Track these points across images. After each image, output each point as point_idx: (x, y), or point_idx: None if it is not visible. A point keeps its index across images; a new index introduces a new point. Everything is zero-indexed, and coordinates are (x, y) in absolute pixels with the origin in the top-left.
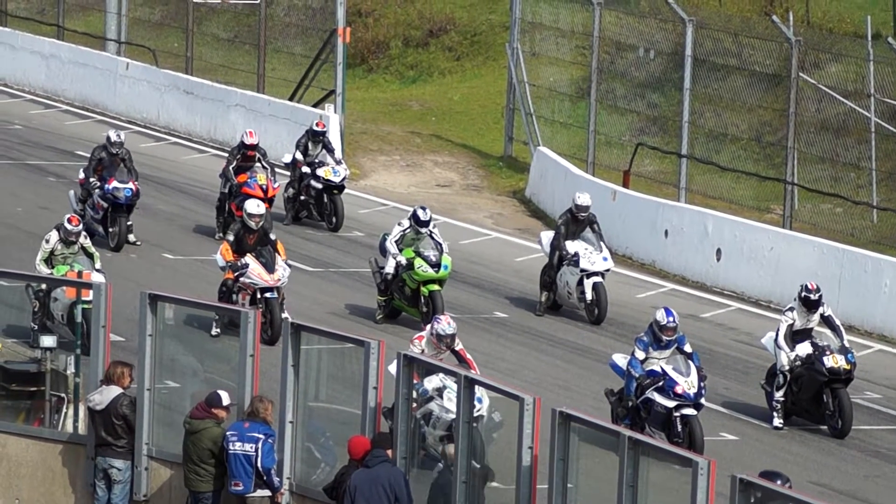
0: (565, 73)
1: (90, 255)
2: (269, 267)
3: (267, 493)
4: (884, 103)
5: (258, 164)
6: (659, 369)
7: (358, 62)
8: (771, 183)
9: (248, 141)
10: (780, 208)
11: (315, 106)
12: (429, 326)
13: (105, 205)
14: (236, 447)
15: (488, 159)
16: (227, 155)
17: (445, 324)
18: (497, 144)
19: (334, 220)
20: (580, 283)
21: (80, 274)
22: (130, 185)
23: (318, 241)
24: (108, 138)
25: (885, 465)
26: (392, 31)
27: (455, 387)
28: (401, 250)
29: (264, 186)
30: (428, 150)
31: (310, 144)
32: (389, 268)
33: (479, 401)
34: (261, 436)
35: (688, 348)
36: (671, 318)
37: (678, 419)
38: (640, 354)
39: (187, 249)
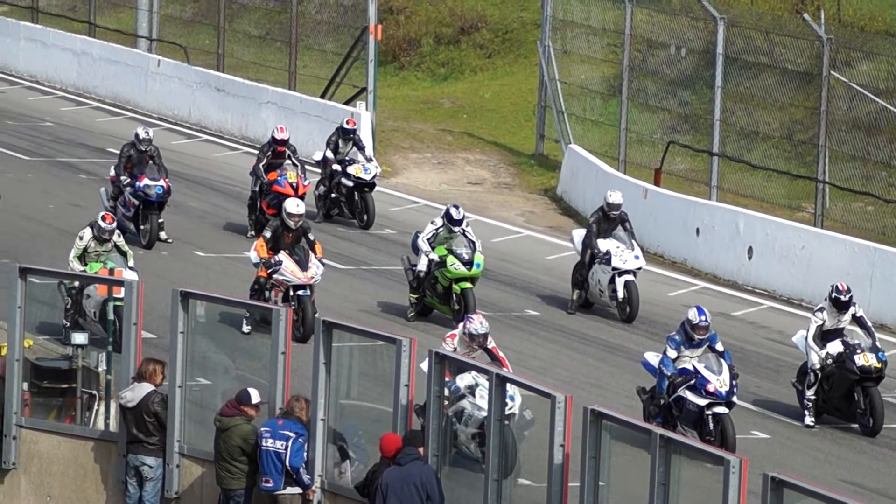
0: (597, 71)
1: (123, 254)
2: (303, 264)
3: (297, 490)
4: None
5: (288, 162)
6: (691, 367)
7: (389, 59)
8: (802, 181)
9: (279, 136)
10: (812, 207)
11: (346, 103)
12: (461, 325)
13: (136, 202)
14: (268, 444)
15: (520, 157)
16: (257, 152)
17: (478, 323)
18: (528, 142)
19: (365, 217)
20: (612, 281)
21: (111, 271)
22: (161, 182)
23: (349, 238)
24: (137, 135)
25: None
26: (423, 28)
27: (487, 384)
28: (433, 248)
29: (294, 184)
30: (459, 148)
31: (340, 142)
32: (422, 265)
33: (511, 399)
34: (292, 434)
35: (719, 347)
36: (703, 317)
37: (710, 417)
38: (672, 353)
39: (219, 247)
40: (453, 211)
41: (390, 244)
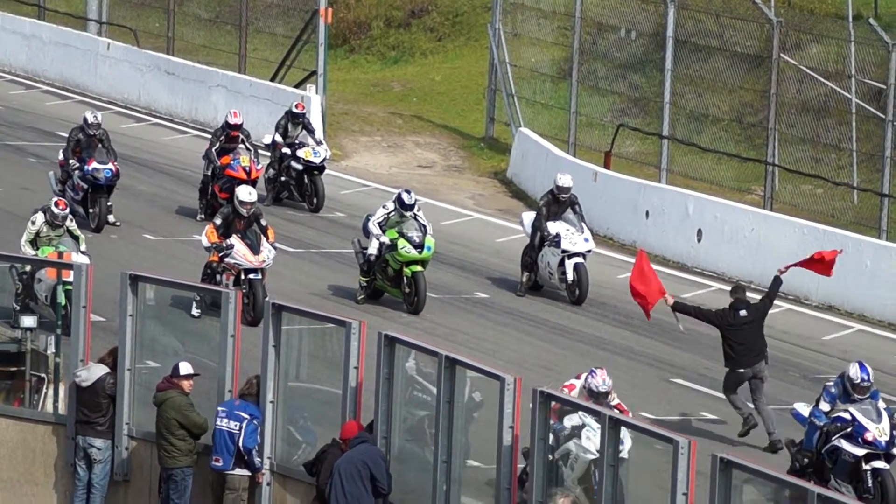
0: (547, 54)
1: (76, 238)
2: (255, 248)
3: (246, 472)
4: (864, 84)
5: (241, 146)
6: (848, 416)
7: (339, 43)
8: (752, 164)
9: (233, 121)
10: (761, 189)
11: (297, 87)
12: (582, 377)
13: (85, 186)
14: (222, 423)
15: (470, 140)
16: (209, 136)
17: (601, 380)
18: (478, 125)
19: (315, 200)
20: (561, 263)
21: (60, 255)
22: (110, 165)
23: (299, 221)
24: (85, 119)
25: None
26: (374, 11)
27: (594, 425)
28: (384, 232)
29: (247, 168)
30: (409, 131)
31: (289, 126)
32: (372, 248)
33: (622, 443)
34: (247, 416)
35: (881, 404)
36: (865, 376)
37: (869, 473)
38: (825, 406)
39: (168, 230)
40: (405, 196)
41: (340, 227)
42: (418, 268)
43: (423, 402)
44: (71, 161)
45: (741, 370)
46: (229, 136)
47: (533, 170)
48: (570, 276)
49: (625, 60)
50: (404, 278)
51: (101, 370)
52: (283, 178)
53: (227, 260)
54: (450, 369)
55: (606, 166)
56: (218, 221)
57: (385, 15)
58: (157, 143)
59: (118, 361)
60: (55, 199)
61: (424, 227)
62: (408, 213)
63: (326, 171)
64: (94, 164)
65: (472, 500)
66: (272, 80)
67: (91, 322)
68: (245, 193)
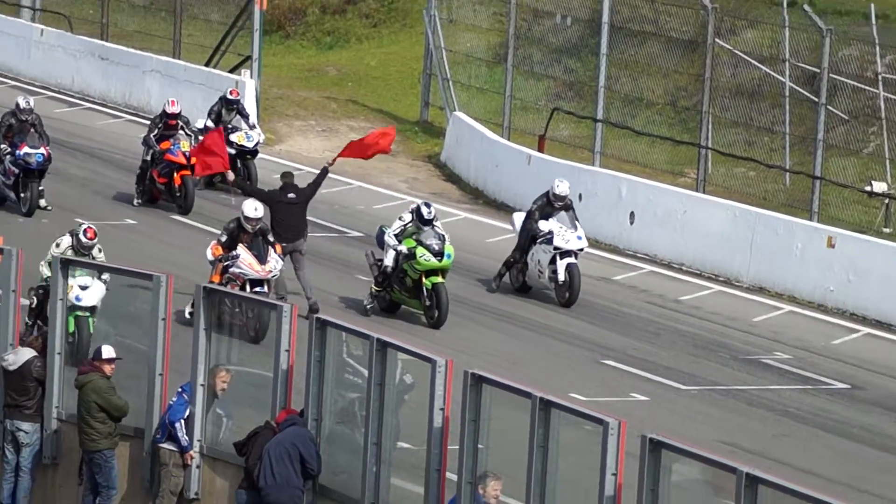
0: (482, 39)
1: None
2: (261, 258)
3: (174, 448)
4: (798, 68)
5: (181, 132)
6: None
7: (275, 28)
8: (685, 147)
9: (170, 110)
10: (694, 172)
11: (231, 72)
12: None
13: (16, 170)
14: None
15: (404, 124)
16: (143, 121)
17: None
18: (413, 110)
19: (248, 184)
20: (552, 262)
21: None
22: (42, 150)
23: (232, 206)
24: (17, 104)
25: (793, 424)
26: None
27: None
28: (400, 242)
29: (187, 153)
30: (344, 116)
31: (223, 111)
32: (389, 259)
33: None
34: (180, 390)
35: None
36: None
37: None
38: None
39: (101, 214)
40: (424, 210)
41: None
42: (439, 279)
43: (355, 385)
44: (2, 146)
45: (284, 244)
46: (167, 125)
47: (467, 153)
48: (561, 276)
49: (560, 45)
50: (424, 290)
51: (28, 353)
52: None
53: (231, 270)
54: (381, 352)
55: (540, 150)
56: (224, 238)
57: (321, 1)
58: (90, 128)
59: (49, 345)
60: (84, 226)
61: (443, 235)
62: (426, 229)
63: (259, 156)
64: (26, 149)
65: (402, 481)
66: (206, 65)
67: (20, 306)
68: (251, 209)
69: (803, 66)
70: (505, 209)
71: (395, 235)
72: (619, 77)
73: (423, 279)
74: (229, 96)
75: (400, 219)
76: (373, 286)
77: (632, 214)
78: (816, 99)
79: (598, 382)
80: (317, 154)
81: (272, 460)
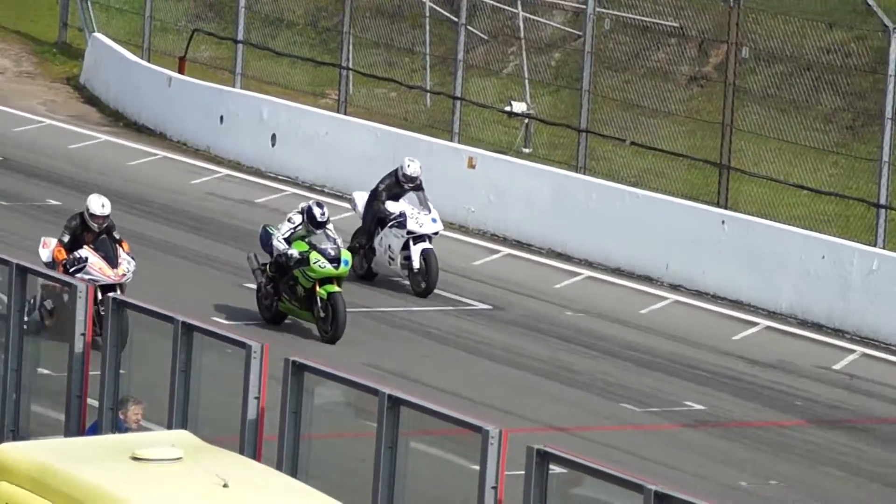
0: None
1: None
2: (112, 261)
3: None
4: None
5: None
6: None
7: None
8: (326, 68)
9: None
10: (336, 93)
11: None
12: None
13: None
14: None
15: (42, 46)
16: None
17: None
18: (51, 31)
19: None
20: (405, 247)
21: None
22: None
23: None
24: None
25: (435, 346)
26: None
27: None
28: (290, 245)
29: None
30: None
31: None
32: (286, 248)
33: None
34: None
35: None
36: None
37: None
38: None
39: None
40: (316, 210)
41: None
42: (335, 287)
43: None
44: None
45: None
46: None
47: (106, 75)
48: (416, 263)
49: None
50: (318, 300)
51: None
52: None
53: (79, 276)
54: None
55: (181, 71)
56: (66, 238)
57: None
58: None
59: None
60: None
61: (336, 239)
62: (318, 232)
63: None
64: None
65: (43, 408)
66: None
67: None
68: (97, 205)
69: None
70: (146, 131)
71: (286, 239)
72: None
73: (317, 288)
74: None
75: (289, 220)
76: (259, 294)
77: (273, 136)
78: (457, 19)
79: (246, 306)
80: None
81: None
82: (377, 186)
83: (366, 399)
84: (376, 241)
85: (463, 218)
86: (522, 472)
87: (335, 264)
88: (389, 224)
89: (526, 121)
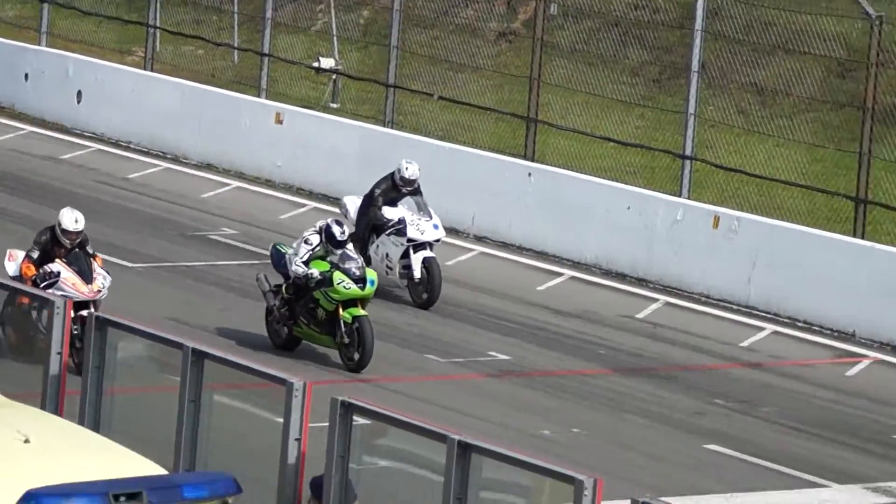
0: None
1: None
2: (86, 276)
3: None
4: None
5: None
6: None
7: None
8: (133, 26)
9: None
10: (142, 51)
11: None
12: None
13: None
14: None
15: None
16: None
17: None
18: None
19: None
20: (405, 256)
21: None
22: None
23: None
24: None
25: (237, 299)
26: None
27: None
28: (307, 264)
29: None
30: None
31: None
32: (304, 269)
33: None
34: None
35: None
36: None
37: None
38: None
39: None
40: (336, 230)
41: None
42: (361, 311)
43: None
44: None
45: None
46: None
47: None
48: (417, 272)
49: None
50: (342, 325)
51: None
52: None
53: (50, 292)
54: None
55: None
56: (35, 255)
57: None
58: None
59: None
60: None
61: (357, 259)
62: (339, 252)
63: None
64: None
65: None
66: None
67: None
68: (70, 221)
69: None
70: None
71: (304, 263)
72: None
73: (340, 311)
74: None
75: (306, 242)
76: (270, 317)
77: (79, 93)
78: None
79: None
80: None
81: None
82: (372, 191)
83: (170, 353)
84: (371, 249)
85: (269, 173)
86: (327, 424)
87: (360, 285)
88: (387, 231)
89: (334, 76)
